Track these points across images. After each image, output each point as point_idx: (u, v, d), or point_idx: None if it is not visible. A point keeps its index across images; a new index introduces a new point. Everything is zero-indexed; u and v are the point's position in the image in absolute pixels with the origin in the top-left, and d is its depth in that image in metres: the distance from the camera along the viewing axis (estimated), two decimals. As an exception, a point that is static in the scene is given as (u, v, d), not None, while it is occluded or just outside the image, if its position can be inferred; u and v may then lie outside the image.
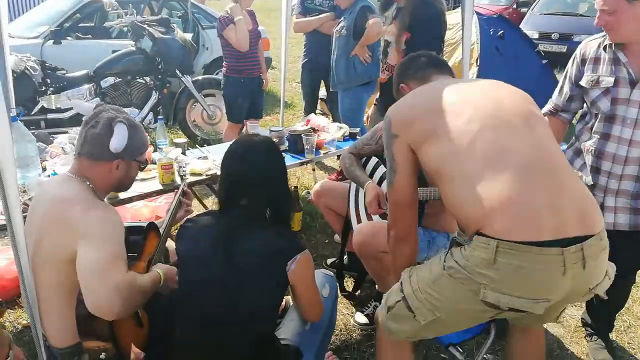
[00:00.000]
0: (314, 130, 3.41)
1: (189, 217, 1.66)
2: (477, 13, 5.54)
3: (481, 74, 4.87)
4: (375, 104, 3.39)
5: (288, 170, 1.74)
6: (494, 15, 6.02)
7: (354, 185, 2.59)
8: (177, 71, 4.69)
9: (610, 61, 1.90)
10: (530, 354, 1.72)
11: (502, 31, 5.26)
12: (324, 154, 3.25)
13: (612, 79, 1.88)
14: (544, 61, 5.65)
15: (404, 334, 1.53)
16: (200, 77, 5.03)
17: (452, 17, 5.48)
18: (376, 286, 2.48)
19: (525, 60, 5.30)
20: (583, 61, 2.01)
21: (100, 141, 1.63)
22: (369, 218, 2.47)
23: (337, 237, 3.01)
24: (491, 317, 1.44)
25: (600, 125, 1.95)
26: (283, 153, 3.03)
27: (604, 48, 1.93)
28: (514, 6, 11.75)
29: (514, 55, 5.24)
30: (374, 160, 2.52)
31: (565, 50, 8.86)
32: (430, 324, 1.43)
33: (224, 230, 1.52)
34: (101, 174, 1.67)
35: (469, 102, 1.45)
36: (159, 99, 4.71)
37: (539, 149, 1.37)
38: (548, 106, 2.19)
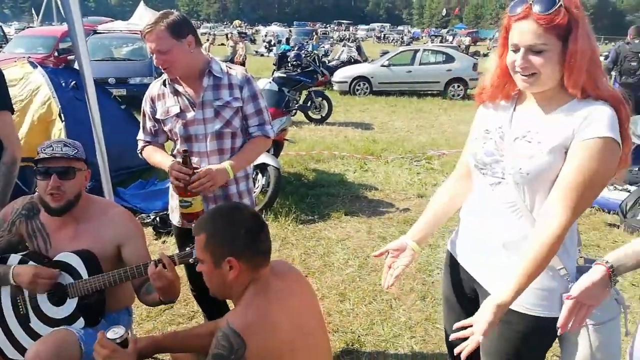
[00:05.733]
0: None
1: None
2: (41, 65, 5.06)
3: (70, 129, 4.49)
4: None
5: None
6: (59, 67, 5.63)
7: None
8: None
9: (173, 93, 2.21)
10: None
11: (73, 82, 4.97)
12: None
13: (177, 107, 2.20)
14: (123, 107, 5.71)
15: None
16: None
17: (12, 72, 4.81)
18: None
19: (104, 106, 5.16)
20: (152, 99, 2.26)
21: None
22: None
23: None
24: None
25: (183, 146, 2.20)
26: None
27: (164, 84, 2.23)
28: (55, 54, 11.25)
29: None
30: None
31: (125, 93, 9.15)
32: None
33: None
34: None
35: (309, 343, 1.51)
36: None
37: None
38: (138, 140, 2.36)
